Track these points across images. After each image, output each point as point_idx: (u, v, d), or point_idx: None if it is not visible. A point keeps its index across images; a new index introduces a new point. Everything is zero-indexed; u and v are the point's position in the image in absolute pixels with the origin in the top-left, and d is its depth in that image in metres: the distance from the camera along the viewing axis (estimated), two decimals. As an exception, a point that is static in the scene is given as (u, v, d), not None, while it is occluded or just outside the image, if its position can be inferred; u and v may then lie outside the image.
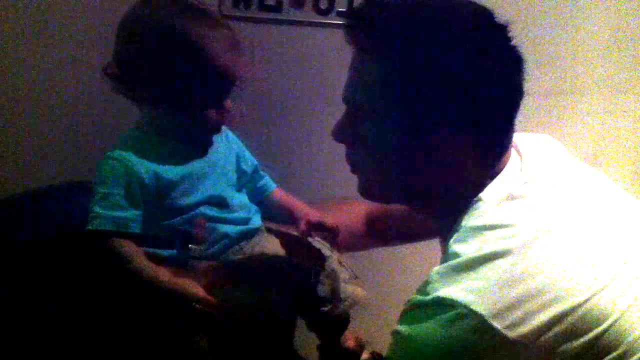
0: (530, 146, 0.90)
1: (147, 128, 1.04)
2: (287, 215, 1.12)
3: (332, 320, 1.06)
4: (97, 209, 0.98)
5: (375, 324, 1.18)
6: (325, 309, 1.05)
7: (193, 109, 1.01)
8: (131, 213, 0.98)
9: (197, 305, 0.96)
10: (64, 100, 1.26)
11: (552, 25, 1.54)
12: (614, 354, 0.74)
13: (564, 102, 1.61)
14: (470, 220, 0.81)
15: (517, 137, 0.89)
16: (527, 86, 1.52)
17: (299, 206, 1.12)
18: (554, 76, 1.58)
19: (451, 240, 0.81)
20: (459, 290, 0.74)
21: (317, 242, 1.10)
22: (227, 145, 1.11)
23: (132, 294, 1.00)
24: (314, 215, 1.09)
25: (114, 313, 1.07)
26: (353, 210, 1.26)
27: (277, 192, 1.16)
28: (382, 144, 0.85)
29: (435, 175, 0.85)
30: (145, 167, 0.99)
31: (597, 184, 0.91)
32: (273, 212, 1.13)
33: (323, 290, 1.05)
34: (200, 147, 1.06)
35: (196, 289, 0.97)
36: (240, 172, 1.12)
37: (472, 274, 0.75)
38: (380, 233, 1.28)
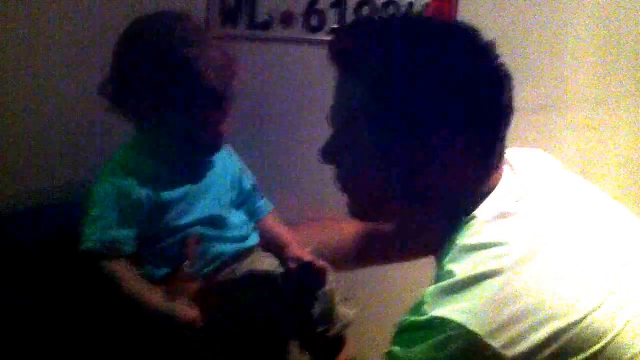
0: (523, 162, 0.90)
1: (141, 147, 1.04)
2: (277, 248, 1.11)
3: (326, 341, 1.06)
4: (88, 231, 0.98)
5: (369, 344, 1.17)
6: (320, 329, 1.05)
7: (186, 128, 1.01)
8: (123, 234, 0.98)
9: (187, 330, 0.96)
10: (65, 101, 1.25)
11: (537, 40, 1.55)
12: None
13: (550, 117, 1.61)
14: (464, 238, 0.81)
15: (510, 153, 0.89)
16: (513, 103, 1.54)
17: (290, 241, 1.12)
18: (539, 92, 1.59)
19: (445, 260, 0.81)
20: (454, 310, 0.73)
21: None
22: (225, 163, 1.11)
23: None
24: (305, 254, 1.09)
25: (114, 313, 1.05)
26: (345, 230, 1.26)
27: (270, 220, 1.15)
28: (371, 157, 0.85)
29: (426, 191, 0.85)
30: (139, 189, 0.99)
31: (592, 197, 0.91)
32: (263, 241, 1.12)
33: (317, 310, 1.05)
34: (195, 167, 1.06)
35: (187, 312, 0.97)
36: (238, 189, 1.12)
37: (466, 294, 0.74)
38: (372, 252, 1.28)
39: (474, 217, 0.82)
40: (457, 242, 0.81)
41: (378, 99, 0.81)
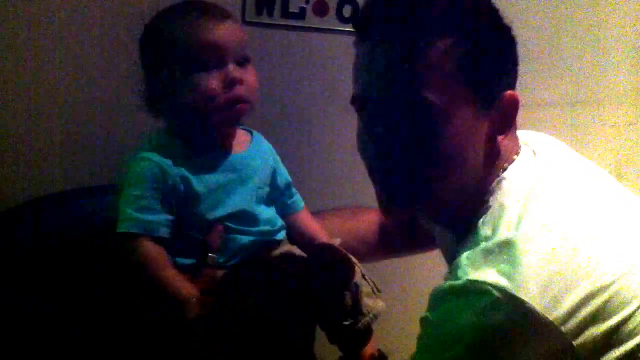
0: (535, 136, 0.93)
1: (171, 134, 1.02)
2: (306, 241, 1.10)
3: (353, 333, 1.06)
4: (128, 211, 0.95)
5: (396, 337, 1.17)
6: (347, 322, 1.05)
7: (186, 87, 0.97)
8: (163, 217, 0.96)
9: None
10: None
11: (574, 35, 1.53)
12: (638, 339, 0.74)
13: (586, 112, 1.60)
14: (497, 200, 0.82)
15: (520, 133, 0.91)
16: (549, 97, 1.53)
17: (321, 234, 1.11)
18: (576, 86, 1.57)
19: (479, 222, 0.81)
20: (493, 273, 0.74)
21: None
22: (262, 158, 1.08)
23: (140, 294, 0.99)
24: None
25: (114, 313, 1.06)
26: (366, 219, 1.25)
27: (302, 215, 1.13)
28: (397, 135, 0.83)
29: (455, 155, 0.83)
30: (179, 172, 0.97)
31: (605, 176, 0.92)
32: (293, 235, 1.11)
33: (344, 303, 1.05)
34: (233, 158, 1.04)
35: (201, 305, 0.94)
36: (273, 186, 1.09)
37: (504, 257, 0.74)
38: (393, 242, 1.27)
39: (503, 178, 0.84)
40: (491, 204, 0.82)
41: (402, 63, 0.80)
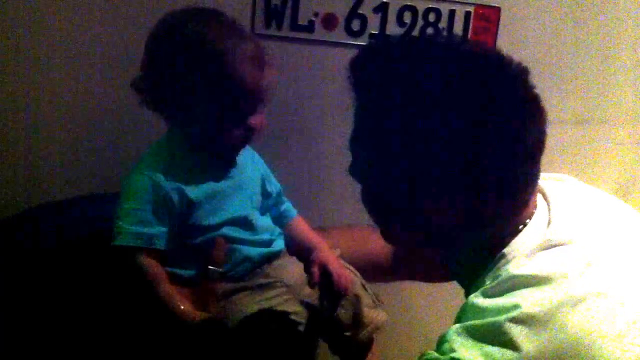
0: (555, 194, 0.84)
1: (173, 143, 1.03)
2: (304, 251, 1.09)
3: (354, 344, 1.06)
4: (123, 225, 0.96)
5: (399, 347, 1.17)
6: (348, 333, 1.05)
7: (217, 125, 0.99)
8: (157, 229, 0.97)
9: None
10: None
11: (581, 53, 1.53)
12: None
13: (593, 131, 1.59)
14: (490, 277, 0.77)
15: (542, 182, 0.84)
16: (556, 114, 1.53)
17: (318, 244, 1.10)
18: (583, 105, 1.57)
19: (471, 295, 0.77)
20: (478, 356, 0.70)
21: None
22: (253, 167, 1.10)
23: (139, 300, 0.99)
24: (332, 258, 1.08)
25: (115, 314, 1.06)
26: (378, 241, 1.23)
27: (297, 223, 1.14)
28: (386, 192, 0.82)
29: (451, 226, 0.80)
30: (171, 184, 0.98)
31: (628, 222, 0.87)
32: (290, 245, 1.11)
33: (346, 315, 1.05)
34: (225, 164, 1.06)
35: (206, 323, 0.94)
36: (265, 194, 1.11)
37: (493, 339, 0.70)
38: (404, 267, 1.24)
39: (503, 255, 0.78)
40: (486, 279, 0.78)
41: (396, 129, 0.77)
